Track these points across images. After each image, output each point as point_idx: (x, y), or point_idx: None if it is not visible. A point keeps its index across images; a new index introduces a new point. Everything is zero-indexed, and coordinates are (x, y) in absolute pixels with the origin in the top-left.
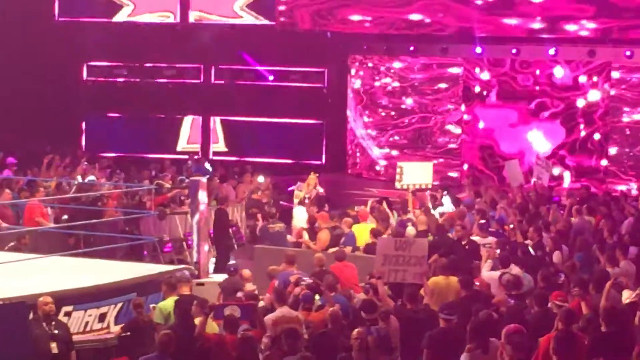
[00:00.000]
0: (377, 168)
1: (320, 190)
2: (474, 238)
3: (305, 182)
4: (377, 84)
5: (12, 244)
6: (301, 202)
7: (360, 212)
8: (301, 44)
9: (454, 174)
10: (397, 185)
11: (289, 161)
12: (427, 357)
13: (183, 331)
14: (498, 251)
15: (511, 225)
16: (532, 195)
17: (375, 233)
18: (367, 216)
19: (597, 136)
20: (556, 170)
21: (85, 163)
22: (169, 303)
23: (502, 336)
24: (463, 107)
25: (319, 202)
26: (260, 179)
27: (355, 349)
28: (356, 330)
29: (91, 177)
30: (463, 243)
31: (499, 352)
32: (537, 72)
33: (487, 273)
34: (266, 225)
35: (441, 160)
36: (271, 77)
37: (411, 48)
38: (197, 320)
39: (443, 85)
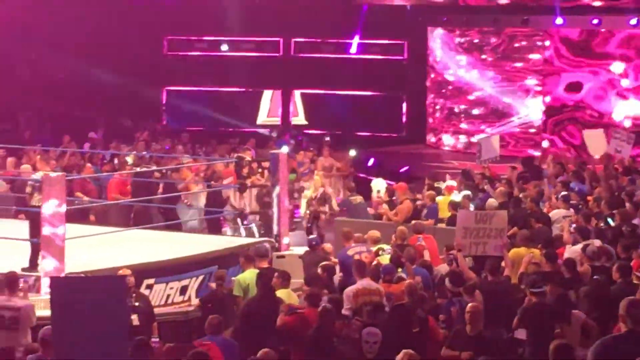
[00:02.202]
0: (459, 139)
1: (328, 189)
2: (557, 211)
3: (312, 183)
4: (456, 55)
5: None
6: (309, 202)
7: (448, 187)
8: (381, 16)
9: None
10: (478, 161)
11: (369, 134)
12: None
13: (266, 303)
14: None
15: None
16: (613, 166)
17: (454, 205)
18: (453, 190)
19: None
20: None
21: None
22: (247, 275)
23: (620, 308)
24: (544, 78)
25: (323, 201)
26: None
27: (468, 322)
28: (470, 304)
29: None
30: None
31: (580, 324)
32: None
33: (570, 249)
34: (348, 197)
35: (520, 131)
36: (353, 50)
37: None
38: (279, 293)
39: (524, 56)
